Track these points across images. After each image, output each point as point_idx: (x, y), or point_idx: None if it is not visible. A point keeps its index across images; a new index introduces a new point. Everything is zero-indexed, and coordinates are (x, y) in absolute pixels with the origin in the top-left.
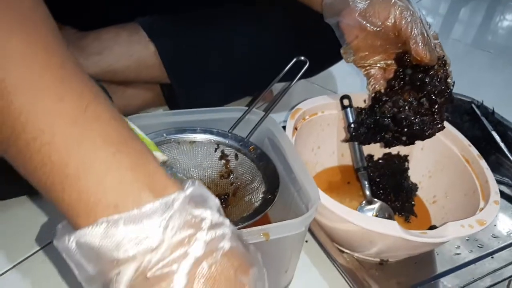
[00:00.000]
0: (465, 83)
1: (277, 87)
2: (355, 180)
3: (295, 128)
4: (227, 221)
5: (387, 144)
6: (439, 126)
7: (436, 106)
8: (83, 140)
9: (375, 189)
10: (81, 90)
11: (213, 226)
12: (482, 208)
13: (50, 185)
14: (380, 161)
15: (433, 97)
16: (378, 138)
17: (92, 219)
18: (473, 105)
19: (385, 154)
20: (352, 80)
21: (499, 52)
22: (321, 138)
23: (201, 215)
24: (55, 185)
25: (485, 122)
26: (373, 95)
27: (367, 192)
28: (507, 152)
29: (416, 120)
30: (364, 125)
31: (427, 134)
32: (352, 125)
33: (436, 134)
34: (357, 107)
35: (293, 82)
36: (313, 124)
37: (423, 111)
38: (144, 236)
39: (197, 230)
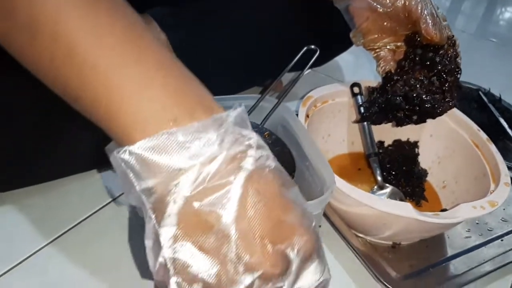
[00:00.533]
0: (472, 73)
1: (286, 77)
2: (366, 167)
3: (307, 116)
4: (266, 145)
5: (399, 123)
6: (450, 104)
7: (446, 85)
8: (139, 63)
9: (386, 175)
10: (133, 21)
11: (259, 146)
12: (493, 191)
13: (105, 105)
14: (390, 147)
15: (444, 75)
16: (390, 117)
17: (152, 132)
18: (480, 93)
19: (395, 141)
20: (359, 70)
21: (503, 42)
22: (331, 126)
23: (248, 135)
24: (112, 103)
25: (493, 109)
26: (383, 75)
27: (379, 178)
28: None
29: (428, 98)
30: (376, 105)
31: (438, 111)
32: (364, 105)
33: (447, 112)
34: (369, 87)
35: (305, 70)
36: (324, 112)
37: (434, 89)
38: (202, 148)
39: (247, 147)
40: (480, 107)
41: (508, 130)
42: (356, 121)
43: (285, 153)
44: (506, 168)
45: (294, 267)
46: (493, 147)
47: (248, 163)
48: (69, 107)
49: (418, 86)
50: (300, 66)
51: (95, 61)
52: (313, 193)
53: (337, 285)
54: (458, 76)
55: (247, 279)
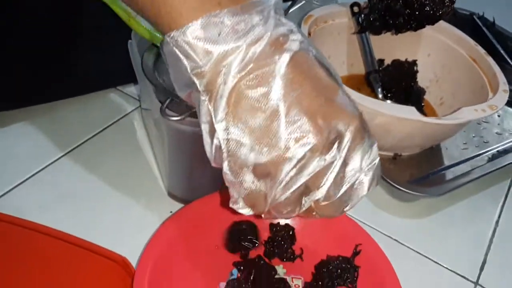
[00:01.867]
0: (465, 3)
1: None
2: (365, 87)
3: (309, 34)
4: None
5: (398, 29)
6: (450, 8)
7: None
8: None
9: (386, 93)
10: None
11: (299, 32)
12: (491, 99)
13: None
14: (390, 67)
15: None
16: (390, 23)
17: (199, 16)
18: (474, 17)
19: (394, 60)
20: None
21: None
22: (332, 47)
23: (288, 22)
24: None
25: (487, 32)
26: None
27: (379, 95)
28: (509, 60)
29: (427, 1)
30: (375, 11)
31: (438, 14)
32: (363, 13)
33: (446, 16)
34: None
35: None
36: (324, 33)
37: None
38: (247, 30)
39: (289, 32)
40: (474, 32)
41: (502, 52)
42: (356, 32)
43: None
44: (504, 77)
45: (345, 141)
46: (490, 60)
47: (293, 45)
48: (84, 24)
49: None
50: None
51: None
52: None
53: None
54: None
55: (299, 152)
